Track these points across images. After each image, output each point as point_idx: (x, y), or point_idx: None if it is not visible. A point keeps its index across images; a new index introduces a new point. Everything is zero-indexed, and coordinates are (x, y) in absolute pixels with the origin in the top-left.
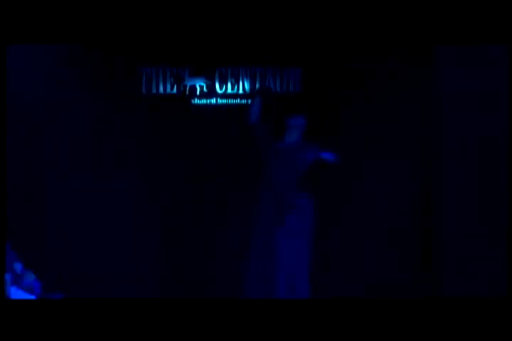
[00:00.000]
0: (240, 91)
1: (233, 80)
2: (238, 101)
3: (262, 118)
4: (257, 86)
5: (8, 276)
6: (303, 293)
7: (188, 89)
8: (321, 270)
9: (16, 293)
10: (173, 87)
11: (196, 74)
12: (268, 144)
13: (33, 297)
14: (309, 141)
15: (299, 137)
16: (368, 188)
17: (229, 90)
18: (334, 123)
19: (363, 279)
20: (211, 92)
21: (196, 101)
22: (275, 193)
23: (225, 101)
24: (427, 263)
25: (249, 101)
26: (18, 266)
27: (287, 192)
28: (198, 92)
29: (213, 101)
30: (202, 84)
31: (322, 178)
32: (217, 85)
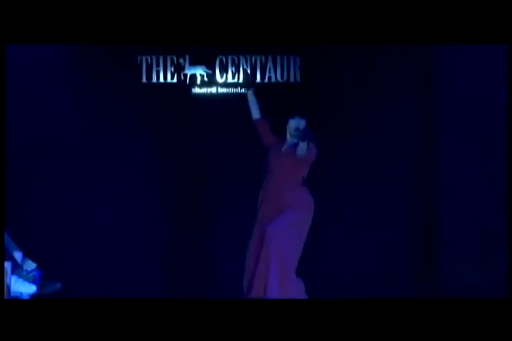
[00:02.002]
0: (241, 80)
1: (233, 69)
2: (238, 90)
3: (263, 114)
4: (258, 75)
5: (8, 265)
6: (294, 291)
7: (188, 78)
8: (321, 270)
9: (17, 282)
10: (174, 76)
11: (197, 63)
12: (272, 141)
13: (33, 286)
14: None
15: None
16: (368, 187)
17: (229, 79)
18: (333, 118)
19: (363, 279)
20: (211, 81)
21: (196, 90)
22: (276, 192)
23: (225, 90)
24: (428, 264)
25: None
26: (18, 255)
27: (288, 191)
28: (198, 81)
29: (213, 90)
30: (202, 73)
31: (322, 176)
32: (217, 74)
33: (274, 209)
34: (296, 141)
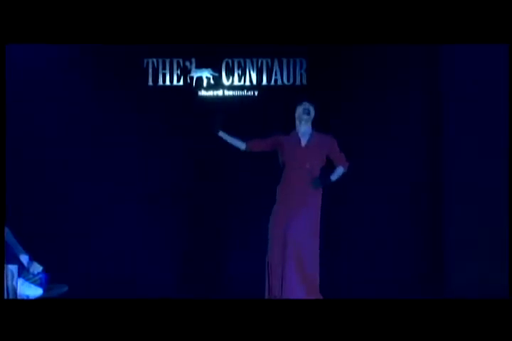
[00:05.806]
0: (247, 83)
1: (240, 72)
2: (245, 92)
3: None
4: (264, 78)
5: (14, 268)
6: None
7: (194, 80)
8: (323, 270)
9: (23, 285)
10: (180, 78)
11: (203, 65)
12: (278, 143)
13: (40, 289)
14: (321, 133)
15: (309, 127)
16: (370, 187)
17: (235, 82)
18: (339, 120)
19: (365, 280)
20: (218, 84)
21: (203, 92)
22: (295, 183)
23: (231, 92)
24: (429, 264)
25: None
26: (24, 258)
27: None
28: (204, 84)
29: (220, 93)
30: (208, 75)
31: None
32: (223, 77)
33: (294, 203)
34: (306, 135)
